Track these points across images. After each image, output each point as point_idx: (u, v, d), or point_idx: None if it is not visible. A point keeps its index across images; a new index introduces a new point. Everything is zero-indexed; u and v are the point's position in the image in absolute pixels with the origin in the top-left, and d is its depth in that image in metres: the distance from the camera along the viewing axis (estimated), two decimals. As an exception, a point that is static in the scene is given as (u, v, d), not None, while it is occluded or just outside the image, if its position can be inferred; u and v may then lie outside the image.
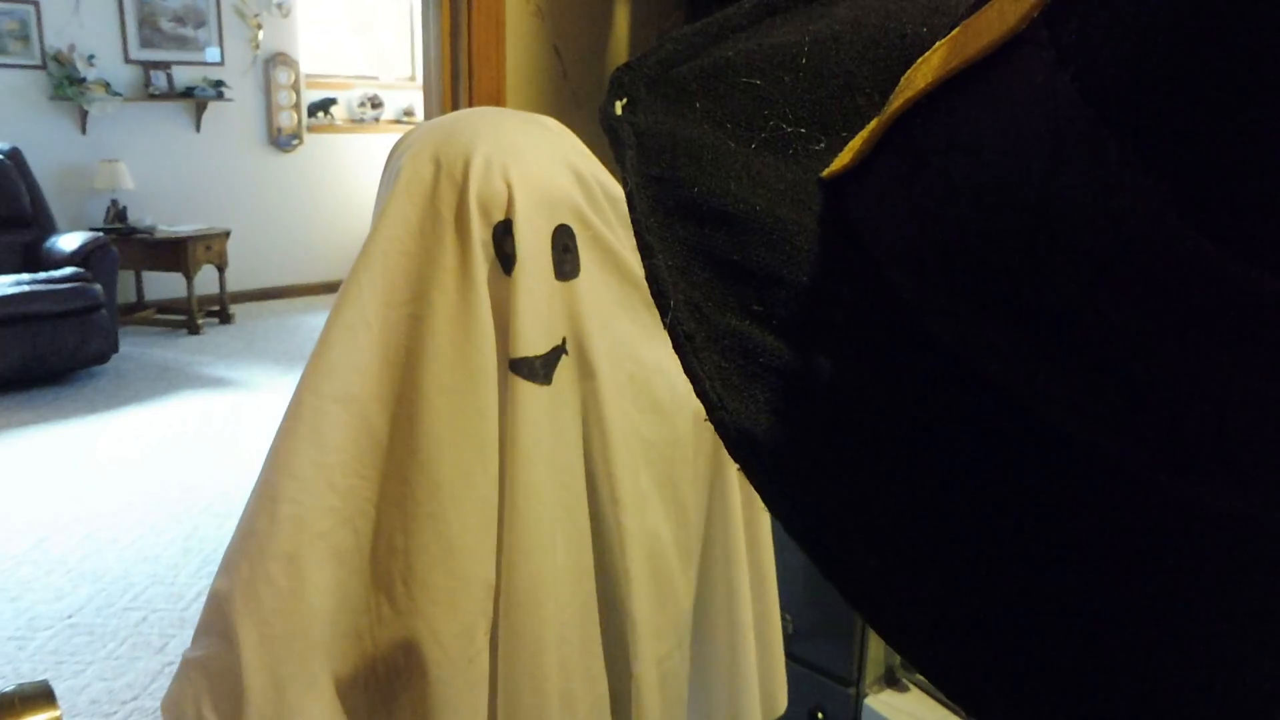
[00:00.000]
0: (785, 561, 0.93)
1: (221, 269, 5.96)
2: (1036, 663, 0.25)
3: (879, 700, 1.54)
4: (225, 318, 6.06)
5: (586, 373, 0.72)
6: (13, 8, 5.47)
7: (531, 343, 0.69)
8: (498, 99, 1.59)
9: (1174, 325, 0.21)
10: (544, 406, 0.69)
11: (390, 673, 0.69)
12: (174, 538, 3.20)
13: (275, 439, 0.68)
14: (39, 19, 5.54)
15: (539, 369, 0.69)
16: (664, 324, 0.26)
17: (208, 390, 4.76)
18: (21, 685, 0.60)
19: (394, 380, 0.69)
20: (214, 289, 6.02)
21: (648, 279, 0.26)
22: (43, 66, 5.59)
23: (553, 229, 0.71)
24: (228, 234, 5.99)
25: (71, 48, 5.64)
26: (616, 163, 0.30)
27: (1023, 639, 0.25)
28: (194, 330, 5.79)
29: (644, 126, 0.31)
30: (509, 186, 0.69)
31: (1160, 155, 0.21)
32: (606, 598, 0.74)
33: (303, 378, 0.68)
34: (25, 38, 5.54)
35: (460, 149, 0.70)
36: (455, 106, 1.60)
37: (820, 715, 1.58)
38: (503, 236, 0.69)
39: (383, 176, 0.74)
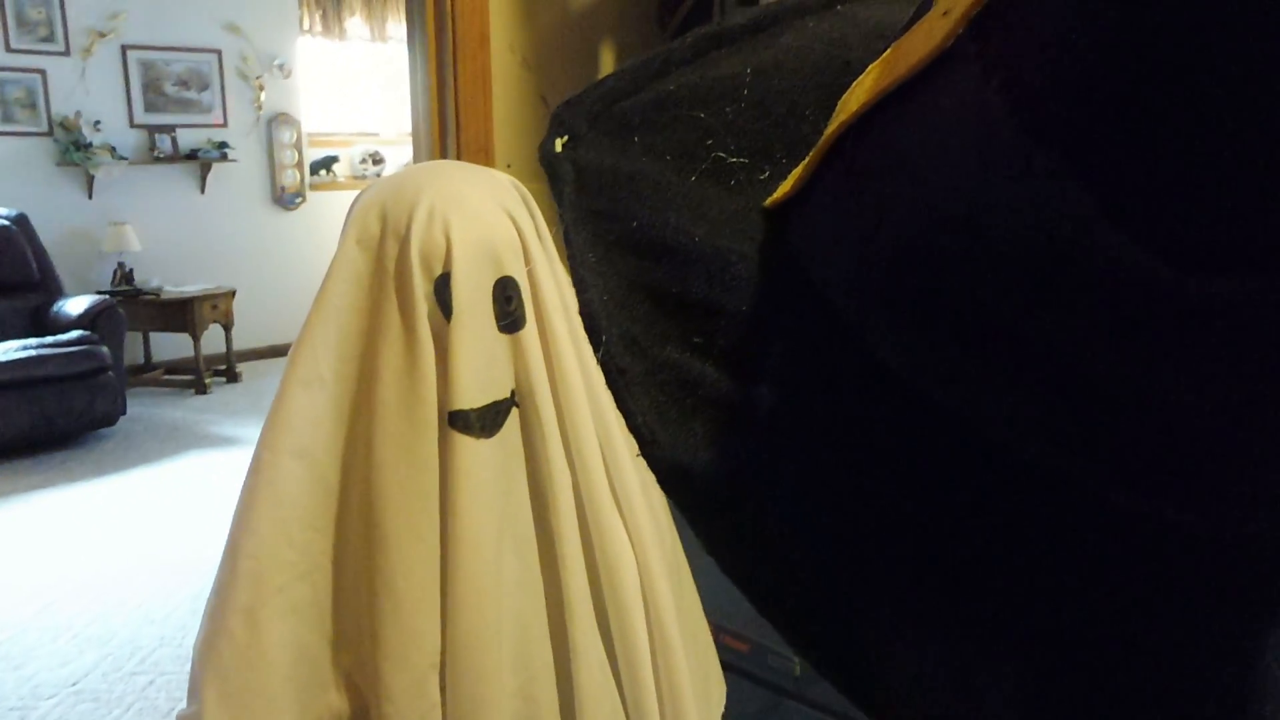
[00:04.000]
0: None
1: (228, 328, 5.99)
2: (996, 697, 0.23)
3: (893, 743, 1.50)
4: (232, 376, 6.08)
5: (535, 426, 0.71)
6: (20, 76, 5.57)
7: (468, 396, 0.68)
8: (486, 150, 1.60)
9: (1112, 335, 0.21)
10: (487, 460, 0.69)
11: None
12: (183, 598, 3.18)
13: (239, 496, 0.68)
14: (45, 87, 5.64)
15: (475, 422, 0.68)
16: (597, 359, 0.25)
17: (216, 449, 4.76)
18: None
19: (347, 434, 0.69)
20: (221, 348, 6.04)
21: (581, 314, 0.26)
22: (49, 133, 5.68)
23: (494, 281, 0.70)
24: (233, 293, 6.04)
25: (77, 114, 5.74)
26: (554, 200, 0.30)
27: (979, 673, 0.24)
28: (202, 390, 5.81)
29: (585, 162, 0.31)
30: (449, 239, 0.69)
31: (1086, 163, 0.20)
32: (561, 662, 0.72)
33: (261, 434, 0.68)
34: (33, 105, 5.63)
35: (405, 203, 0.70)
36: (444, 157, 1.62)
37: (834, 760, 1.54)
38: (443, 289, 0.68)
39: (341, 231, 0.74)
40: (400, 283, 0.68)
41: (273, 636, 0.66)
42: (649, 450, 0.24)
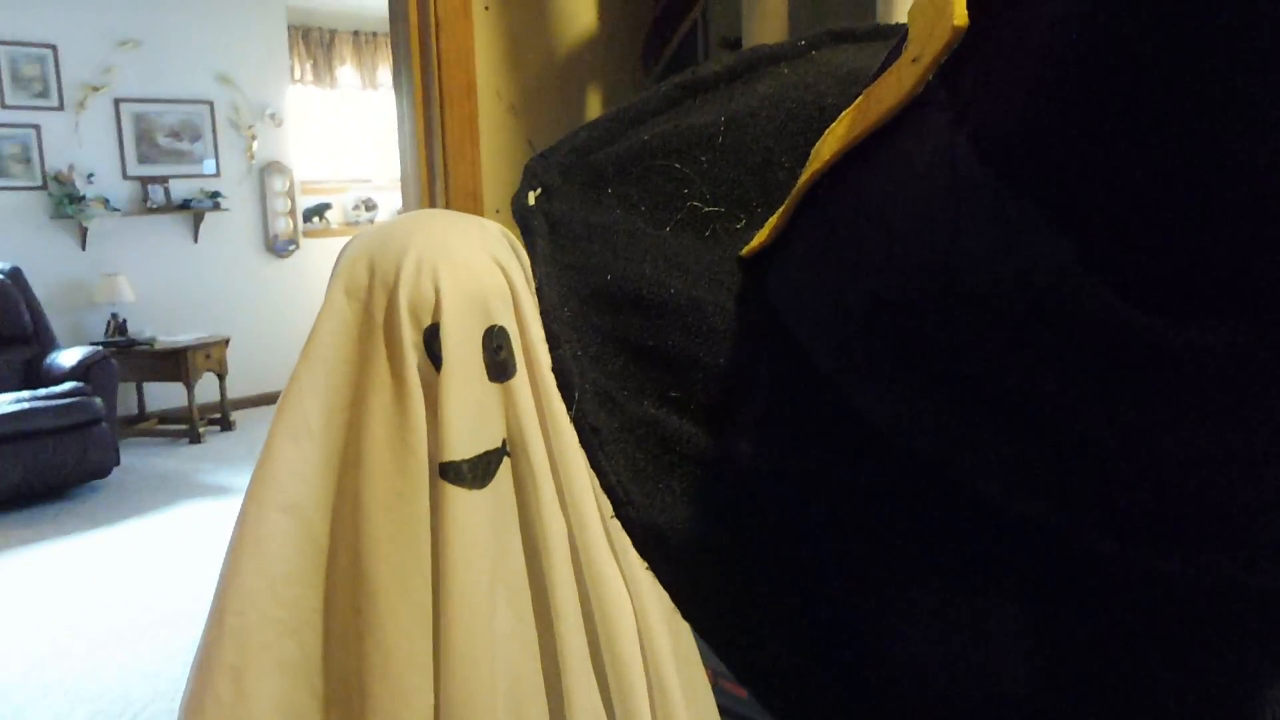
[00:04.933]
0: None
1: (222, 376, 5.97)
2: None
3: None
4: (226, 425, 6.06)
5: (527, 475, 0.70)
6: (15, 132, 5.61)
7: (459, 446, 0.67)
8: (474, 195, 1.60)
9: (1092, 385, 0.20)
10: (479, 511, 0.68)
11: None
12: (176, 650, 3.14)
13: (226, 551, 0.67)
14: (40, 141, 5.68)
15: (466, 473, 0.67)
16: (570, 417, 0.25)
17: (209, 498, 4.72)
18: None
19: (336, 487, 0.68)
20: (215, 397, 6.02)
21: (554, 371, 0.25)
22: (43, 187, 5.70)
23: (484, 330, 0.70)
24: (227, 341, 6.03)
25: (71, 167, 5.76)
26: (528, 253, 0.29)
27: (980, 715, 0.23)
28: (195, 439, 5.78)
29: (558, 215, 0.30)
30: (437, 290, 0.68)
31: (1059, 209, 0.20)
32: (556, 717, 0.71)
33: (248, 487, 0.67)
34: (27, 160, 5.66)
35: (393, 254, 0.70)
36: (433, 204, 1.62)
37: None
38: (432, 340, 0.68)
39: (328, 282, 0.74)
40: (389, 333, 0.68)
41: (260, 695, 0.65)
42: (623, 511, 0.23)
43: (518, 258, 0.75)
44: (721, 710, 0.97)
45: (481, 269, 0.70)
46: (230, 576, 0.67)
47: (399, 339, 0.67)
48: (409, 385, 0.67)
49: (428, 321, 0.68)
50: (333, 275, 0.72)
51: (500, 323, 0.70)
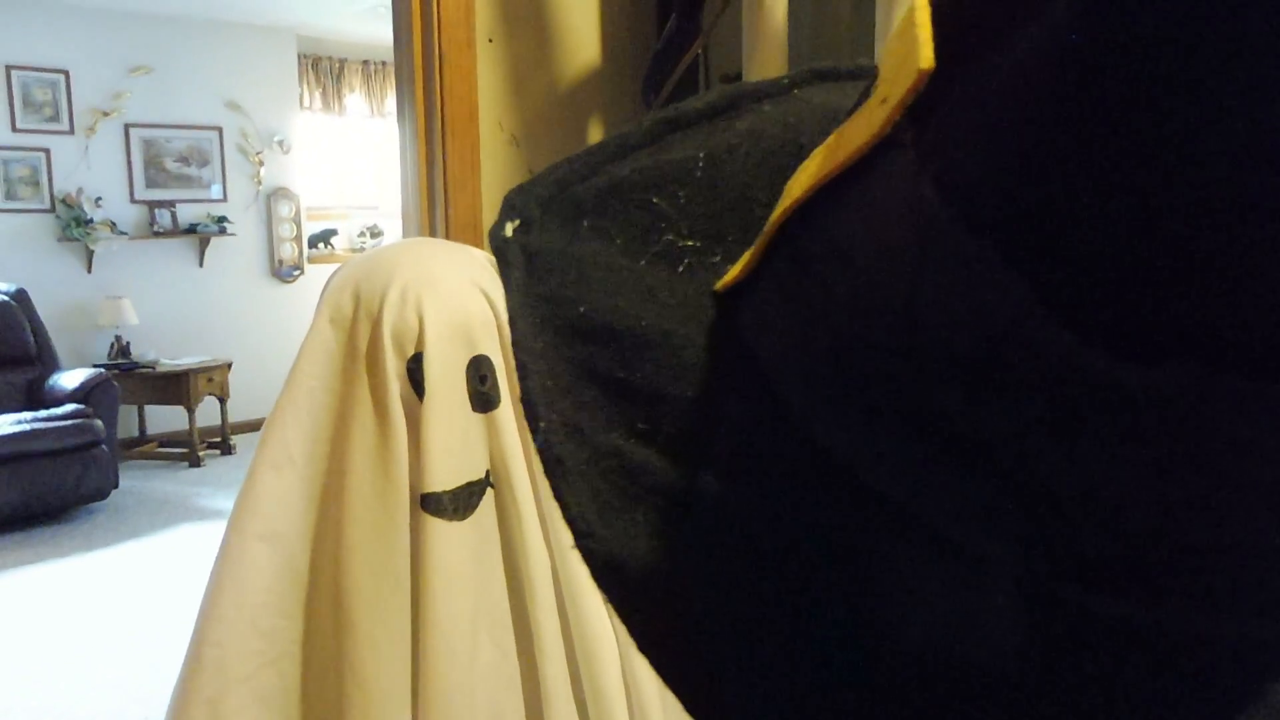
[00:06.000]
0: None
1: (223, 400, 5.98)
2: None
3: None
4: (226, 449, 6.06)
5: (510, 507, 0.70)
6: (25, 155, 5.66)
7: (441, 477, 0.67)
8: (475, 225, 1.61)
9: (1052, 427, 0.20)
10: (460, 543, 0.67)
11: None
12: (170, 675, 3.10)
13: (207, 581, 0.67)
14: (49, 165, 5.73)
15: (448, 504, 0.67)
16: (535, 447, 0.25)
17: (208, 522, 4.71)
18: None
19: (318, 517, 0.67)
20: (215, 420, 6.03)
21: (521, 401, 0.26)
22: (51, 209, 5.74)
23: (468, 360, 0.70)
24: (229, 365, 6.04)
25: (79, 191, 5.81)
26: (503, 284, 0.29)
27: None
28: (195, 463, 5.78)
29: (535, 247, 0.31)
30: (421, 319, 0.68)
31: (1020, 253, 0.20)
32: None
33: (230, 516, 0.67)
34: (36, 183, 5.71)
35: (379, 283, 0.70)
36: (433, 233, 1.63)
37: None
38: (415, 370, 0.68)
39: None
40: (372, 363, 0.68)
41: None
42: (583, 542, 0.23)
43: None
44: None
45: (466, 298, 0.70)
46: (209, 607, 0.66)
47: (382, 368, 0.67)
48: (391, 415, 0.66)
49: (411, 351, 0.68)
50: (319, 304, 0.73)
51: (485, 352, 0.70)
